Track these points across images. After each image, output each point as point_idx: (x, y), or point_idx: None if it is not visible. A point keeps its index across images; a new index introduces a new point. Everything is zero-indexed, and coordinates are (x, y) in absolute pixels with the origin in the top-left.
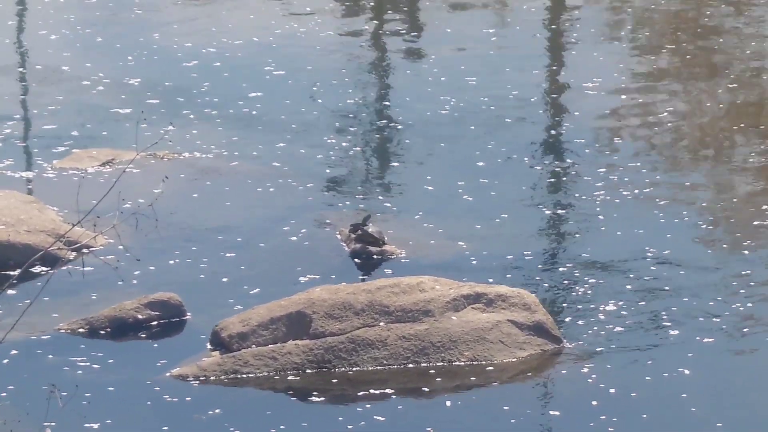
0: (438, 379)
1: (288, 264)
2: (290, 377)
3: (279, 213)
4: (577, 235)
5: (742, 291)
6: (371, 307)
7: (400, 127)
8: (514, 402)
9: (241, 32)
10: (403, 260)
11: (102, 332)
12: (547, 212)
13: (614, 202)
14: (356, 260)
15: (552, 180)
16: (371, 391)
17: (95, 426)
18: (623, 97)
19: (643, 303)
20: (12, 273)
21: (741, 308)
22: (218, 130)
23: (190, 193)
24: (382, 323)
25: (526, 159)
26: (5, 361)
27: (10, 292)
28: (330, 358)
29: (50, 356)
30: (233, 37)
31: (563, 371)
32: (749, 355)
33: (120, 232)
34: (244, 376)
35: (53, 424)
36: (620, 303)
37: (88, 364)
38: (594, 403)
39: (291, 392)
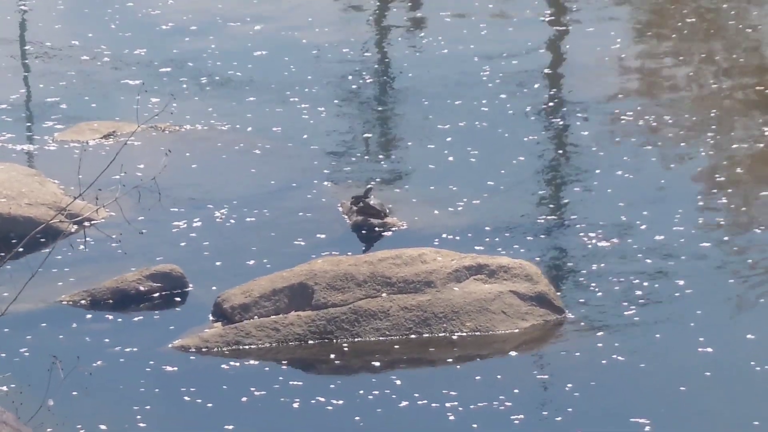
0: (440, 350)
1: (290, 236)
2: (292, 348)
3: (281, 185)
4: (579, 206)
5: (748, 260)
6: (373, 278)
7: (401, 97)
8: (516, 372)
9: (234, 1)
10: (404, 232)
11: (104, 304)
12: (550, 183)
13: (617, 172)
14: (358, 232)
15: (554, 150)
16: (373, 361)
17: (97, 397)
18: (625, 66)
19: (646, 273)
20: (13, 246)
21: (747, 278)
22: (219, 101)
23: (191, 164)
24: (384, 294)
25: (527, 129)
26: (7, 332)
27: (11, 264)
28: (332, 329)
29: (52, 328)
30: (226, 6)
31: (565, 342)
32: (754, 326)
33: (122, 204)
34: (246, 347)
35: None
36: (623, 273)
37: (90, 335)
38: (596, 373)
39: (293, 363)
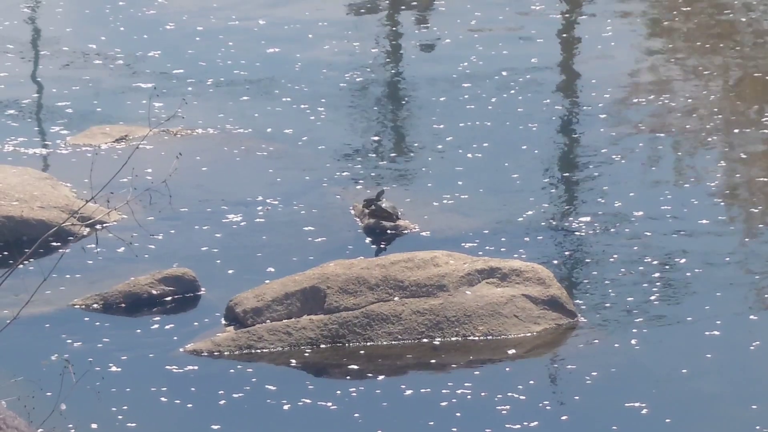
0: (452, 354)
1: (302, 239)
2: (304, 352)
3: (292, 188)
4: (592, 209)
5: (761, 260)
6: (385, 281)
7: (411, 97)
8: (528, 376)
9: (243, 4)
10: (416, 235)
11: (116, 308)
12: (562, 185)
13: (629, 174)
14: (370, 235)
15: (566, 151)
16: (386, 365)
17: (109, 402)
18: (636, 61)
19: (659, 275)
20: (26, 249)
21: (760, 278)
22: (229, 104)
23: (203, 168)
24: (396, 298)
25: (540, 130)
26: (19, 336)
27: (24, 268)
28: (344, 333)
29: (64, 332)
30: (221, 3)
31: (578, 345)
32: None
33: (133, 207)
34: (259, 351)
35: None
36: (635, 276)
37: (102, 339)
38: (609, 377)
39: (305, 367)
